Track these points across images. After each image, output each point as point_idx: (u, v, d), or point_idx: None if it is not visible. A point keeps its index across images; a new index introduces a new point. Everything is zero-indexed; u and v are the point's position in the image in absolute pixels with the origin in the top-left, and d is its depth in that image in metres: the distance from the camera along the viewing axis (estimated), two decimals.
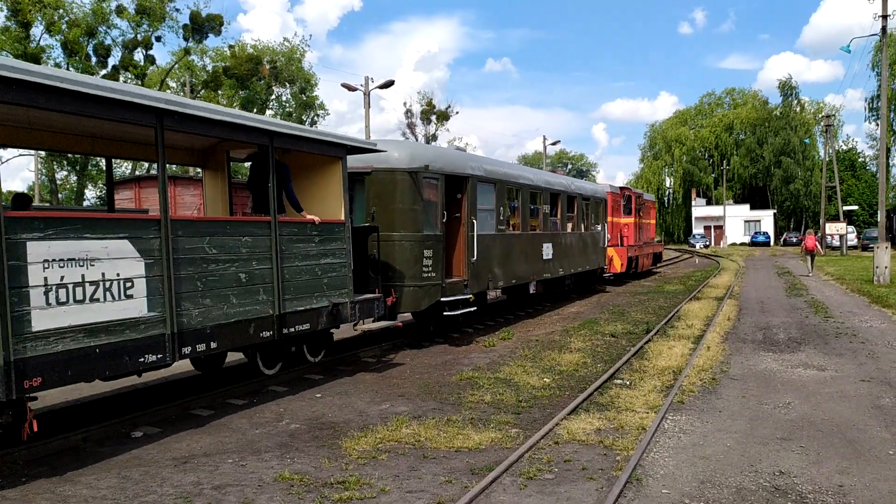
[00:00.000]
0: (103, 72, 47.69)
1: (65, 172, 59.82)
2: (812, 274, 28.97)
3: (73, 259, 6.37)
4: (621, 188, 28.45)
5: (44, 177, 54.39)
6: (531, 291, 18.56)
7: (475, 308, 14.31)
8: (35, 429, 6.27)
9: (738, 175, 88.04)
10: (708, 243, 74.95)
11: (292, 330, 9.24)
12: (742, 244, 76.26)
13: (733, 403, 8.31)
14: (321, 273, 9.79)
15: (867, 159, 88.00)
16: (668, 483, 5.73)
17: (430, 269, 12.59)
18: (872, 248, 47.58)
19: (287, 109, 70.65)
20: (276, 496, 5.58)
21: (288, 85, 70.10)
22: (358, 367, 11.09)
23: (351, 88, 35.00)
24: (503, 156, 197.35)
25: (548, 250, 18.32)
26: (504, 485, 5.73)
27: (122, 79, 48.13)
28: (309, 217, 9.76)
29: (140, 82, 49.84)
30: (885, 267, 23.26)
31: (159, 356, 7.29)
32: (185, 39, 52.34)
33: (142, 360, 7.09)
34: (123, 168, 62.59)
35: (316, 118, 73.40)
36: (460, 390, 9.29)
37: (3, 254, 5.77)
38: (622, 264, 26.42)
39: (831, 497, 5.40)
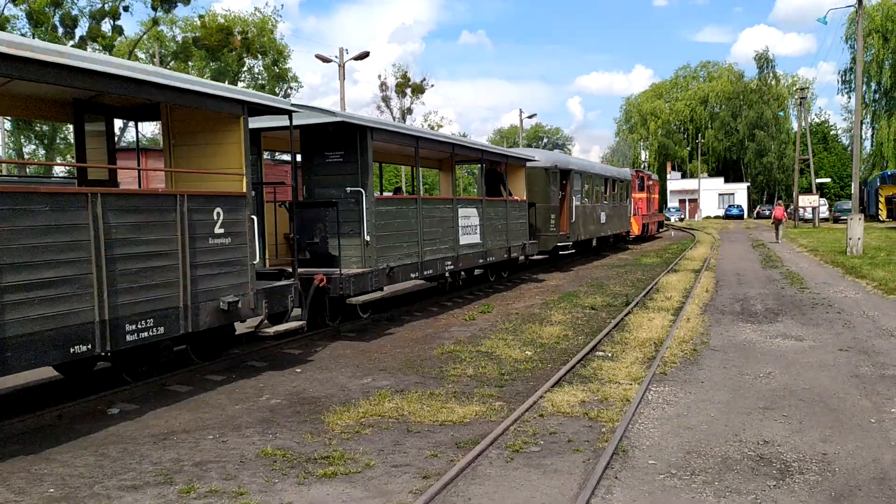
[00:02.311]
0: (70, 43, 46.53)
1: (33, 147, 58.58)
2: (780, 241, 32.74)
3: None
4: (636, 171, 37.61)
5: (11, 151, 53.23)
6: (593, 245, 27.65)
7: (574, 251, 23.62)
8: None
9: (712, 148, 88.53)
10: (683, 217, 75.52)
11: (506, 256, 17.44)
12: (716, 217, 76.95)
13: (715, 374, 8.33)
14: (513, 227, 17.67)
15: (839, 132, 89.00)
16: (654, 454, 5.72)
17: (553, 225, 21.24)
18: (844, 220, 48.29)
19: (259, 81, 69.61)
20: (259, 472, 5.48)
21: (260, 56, 68.98)
22: (337, 342, 10.99)
23: (325, 60, 34.53)
24: (479, 130, 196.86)
25: (602, 217, 27.15)
26: (490, 458, 5.68)
27: (89, 50, 46.98)
28: (513, 198, 17.86)
29: (108, 54, 48.70)
30: (858, 238, 23.53)
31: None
32: (154, 9, 51.01)
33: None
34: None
35: (289, 91, 72.45)
36: (442, 364, 9.24)
37: None
38: (639, 229, 35.01)
39: (815, 465, 5.42)
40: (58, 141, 56.84)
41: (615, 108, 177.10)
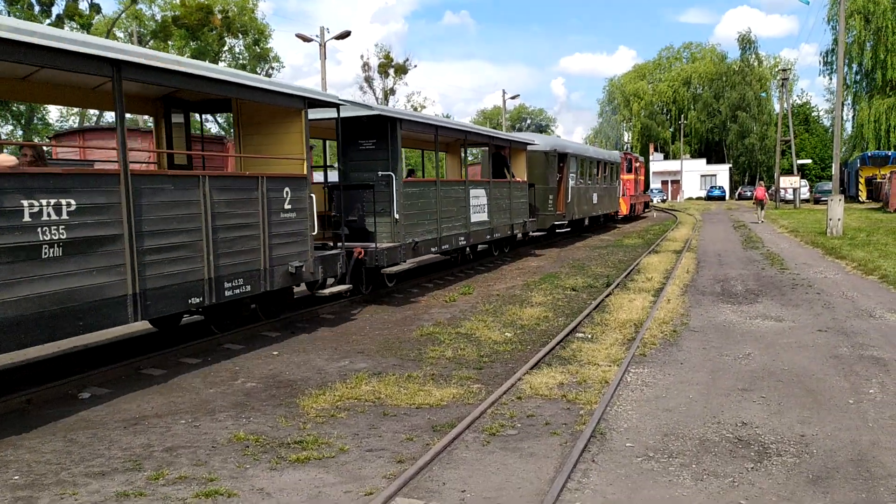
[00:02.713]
0: (47, 21, 45.69)
1: (10, 126, 57.67)
2: (762, 221, 33.37)
3: None
4: (624, 153, 38.74)
5: None
6: (585, 223, 29.31)
7: (569, 229, 26.68)
8: None
9: (695, 130, 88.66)
10: (665, 198, 75.69)
11: (509, 233, 19.10)
12: (699, 198, 77.22)
13: (694, 355, 8.30)
14: (516, 206, 19.28)
15: (821, 113, 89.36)
16: (631, 436, 5.67)
17: (551, 205, 22.76)
18: (824, 201, 48.54)
19: (241, 61, 68.78)
20: (231, 457, 5.38)
21: (241, 36, 68.11)
22: (316, 323, 10.87)
23: (306, 39, 34.02)
24: (462, 111, 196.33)
25: (595, 198, 28.74)
26: (467, 441, 5.60)
27: (66, 28, 46.15)
28: (516, 179, 19.31)
29: (86, 32, 47.86)
30: (838, 219, 23.64)
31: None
32: None
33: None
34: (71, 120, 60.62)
35: (271, 70, 71.65)
36: (421, 346, 9.15)
37: None
38: (627, 209, 36.70)
39: (793, 447, 5.39)
40: (35, 121, 55.99)
41: (598, 90, 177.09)
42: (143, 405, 6.85)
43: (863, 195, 50.47)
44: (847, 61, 52.76)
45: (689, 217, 41.26)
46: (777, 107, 68.69)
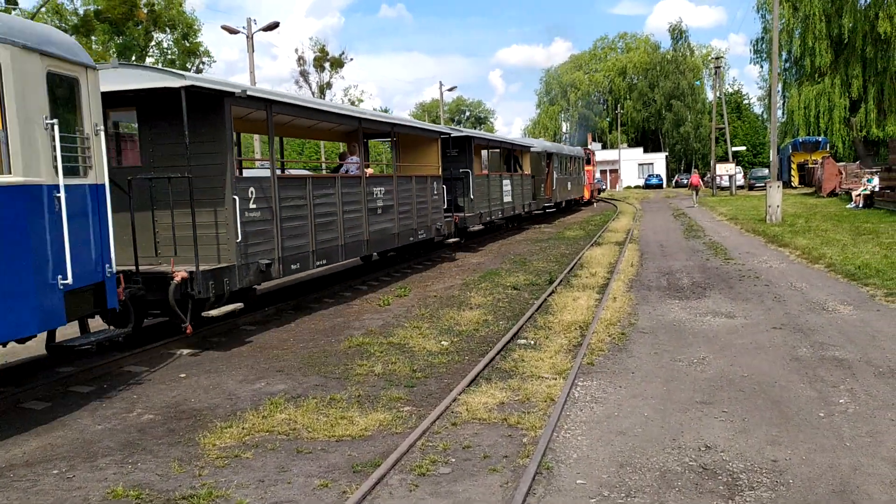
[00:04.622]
0: None
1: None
2: (696, 205, 36.59)
3: None
4: (585, 148, 49.64)
5: None
6: (563, 205, 36.41)
7: (555, 209, 35.30)
8: None
9: (631, 119, 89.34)
10: (604, 187, 75.96)
11: (520, 211, 26.04)
12: (637, 187, 77.70)
13: (646, 362, 7.61)
14: (525, 191, 26.44)
15: (752, 101, 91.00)
16: (583, 469, 4.90)
17: (543, 192, 29.93)
18: (759, 187, 49.12)
19: (169, 56, 66.20)
20: None
21: (168, 30, 65.55)
22: (234, 337, 9.85)
23: (232, 31, 32.60)
24: (401, 103, 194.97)
25: (567, 185, 36.08)
26: (391, 486, 4.75)
27: None
28: (525, 172, 26.97)
29: None
30: (777, 206, 23.53)
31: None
32: None
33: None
34: None
35: (201, 66, 69.21)
36: (348, 360, 8.26)
37: None
38: (588, 195, 44.41)
39: (767, 476, 4.70)
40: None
41: (536, 81, 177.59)
42: (13, 450, 5.80)
43: (795, 180, 51.33)
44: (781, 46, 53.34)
45: (629, 206, 41.17)
46: (710, 95, 69.58)
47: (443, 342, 8.96)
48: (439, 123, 49.18)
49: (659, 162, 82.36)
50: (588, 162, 45.75)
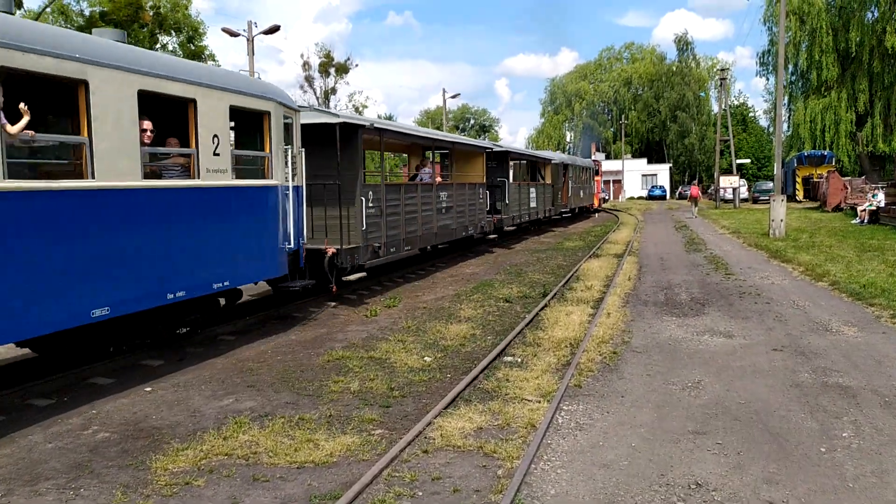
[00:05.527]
0: None
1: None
2: (696, 217, 37.37)
3: None
4: (594, 160, 52.89)
5: None
6: (575, 212, 40.39)
7: (570, 214, 39.58)
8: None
9: (636, 129, 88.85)
10: (607, 198, 75.53)
11: (542, 216, 30.14)
12: (640, 198, 77.26)
13: (637, 385, 7.18)
14: (546, 198, 30.66)
15: (757, 114, 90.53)
16: None
17: (560, 199, 33.82)
18: (763, 200, 48.66)
19: None
20: None
21: (174, 33, 65.42)
22: (211, 348, 9.42)
23: (233, 34, 32.27)
24: (406, 111, 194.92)
25: (580, 193, 39.94)
26: None
27: None
28: (546, 182, 30.88)
29: None
30: (781, 220, 23.09)
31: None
32: None
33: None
34: None
35: None
36: (324, 376, 7.84)
37: None
38: (597, 203, 48.59)
39: None
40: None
41: (541, 91, 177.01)
42: None
43: (800, 194, 50.83)
44: (783, 62, 52.97)
45: (631, 217, 40.73)
46: (716, 107, 69.15)
47: (426, 358, 8.53)
48: (442, 131, 49.26)
49: (663, 173, 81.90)
50: (596, 172, 49.36)
